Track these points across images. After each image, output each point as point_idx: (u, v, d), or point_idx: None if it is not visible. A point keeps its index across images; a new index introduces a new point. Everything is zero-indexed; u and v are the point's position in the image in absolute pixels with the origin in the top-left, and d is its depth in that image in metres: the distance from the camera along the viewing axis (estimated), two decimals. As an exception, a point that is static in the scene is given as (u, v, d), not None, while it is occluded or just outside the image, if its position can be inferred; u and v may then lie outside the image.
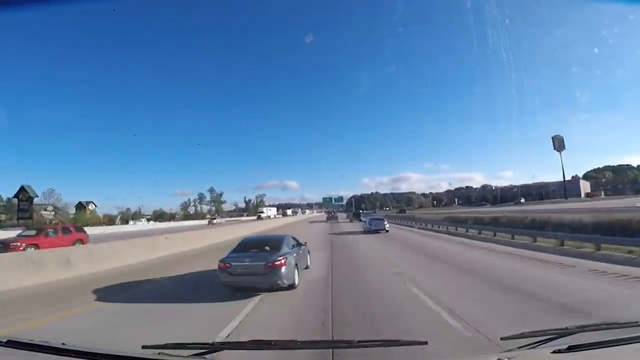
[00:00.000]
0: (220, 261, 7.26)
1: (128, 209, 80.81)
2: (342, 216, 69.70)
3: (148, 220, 77.51)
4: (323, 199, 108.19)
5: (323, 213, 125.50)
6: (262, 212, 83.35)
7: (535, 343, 1.84)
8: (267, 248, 7.75)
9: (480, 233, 20.56)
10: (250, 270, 6.99)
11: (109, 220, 65.48)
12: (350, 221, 47.24)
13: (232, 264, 7.07)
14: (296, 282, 7.46)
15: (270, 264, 6.93)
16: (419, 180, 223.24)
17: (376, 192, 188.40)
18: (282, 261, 7.03)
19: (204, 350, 1.84)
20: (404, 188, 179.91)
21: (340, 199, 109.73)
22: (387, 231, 24.57)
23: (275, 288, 6.92)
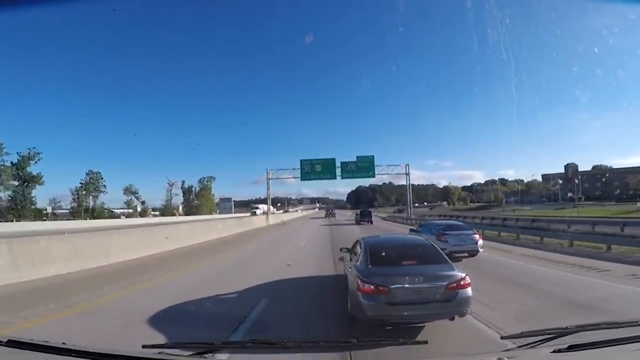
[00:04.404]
0: (362, 280, 4.87)
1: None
2: (342, 214, 63.21)
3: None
4: (301, 162, 43.65)
5: (317, 210, 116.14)
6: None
7: (535, 342, 1.85)
8: (421, 258, 5.50)
9: None
10: (421, 295, 4.70)
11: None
12: (358, 223, 34.70)
13: (392, 286, 4.69)
14: None
15: (454, 283, 4.78)
16: (420, 177, 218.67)
17: (389, 183, 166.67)
18: (468, 279, 4.90)
19: (204, 350, 1.86)
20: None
21: (333, 164, 43.90)
22: None
23: (449, 318, 4.86)
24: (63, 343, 1.80)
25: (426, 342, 2.03)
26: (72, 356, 1.67)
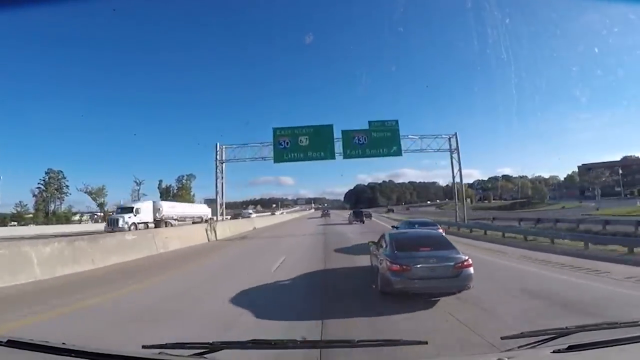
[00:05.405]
0: (391, 262, 6.31)
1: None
2: (339, 214, 62.82)
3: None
4: (275, 132, 25.16)
5: (313, 211, 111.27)
6: None
7: (535, 343, 1.86)
8: (434, 246, 6.87)
9: None
10: (435, 273, 6.14)
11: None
12: (350, 223, 36.68)
13: (413, 266, 6.12)
14: None
15: (460, 264, 6.19)
16: (416, 176, 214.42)
17: (389, 181, 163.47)
18: (470, 261, 6.32)
19: (204, 350, 1.87)
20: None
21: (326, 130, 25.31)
22: None
23: (456, 291, 6.23)
24: (63, 343, 1.81)
25: (426, 343, 2.02)
26: (72, 356, 1.67)
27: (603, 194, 63.93)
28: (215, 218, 26.98)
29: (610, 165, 77.02)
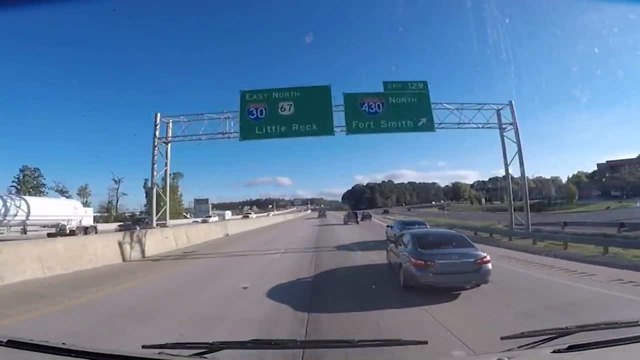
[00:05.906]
0: (415, 259, 6.84)
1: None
2: (336, 216, 63.41)
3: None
4: (242, 96, 16.64)
5: (309, 211, 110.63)
6: None
7: (535, 343, 1.86)
8: (455, 244, 7.45)
9: None
10: (457, 268, 6.62)
11: None
12: (345, 223, 37.46)
13: (437, 262, 6.60)
14: None
15: (479, 260, 6.73)
16: (414, 177, 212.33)
17: (389, 181, 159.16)
18: (489, 257, 6.91)
19: (203, 350, 1.87)
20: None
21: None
22: None
23: (476, 285, 6.75)
24: (63, 343, 1.81)
25: (426, 342, 2.02)
26: (72, 356, 1.67)
27: (628, 194, 57.43)
28: (148, 222, 18.94)
29: (636, 162, 68.89)
